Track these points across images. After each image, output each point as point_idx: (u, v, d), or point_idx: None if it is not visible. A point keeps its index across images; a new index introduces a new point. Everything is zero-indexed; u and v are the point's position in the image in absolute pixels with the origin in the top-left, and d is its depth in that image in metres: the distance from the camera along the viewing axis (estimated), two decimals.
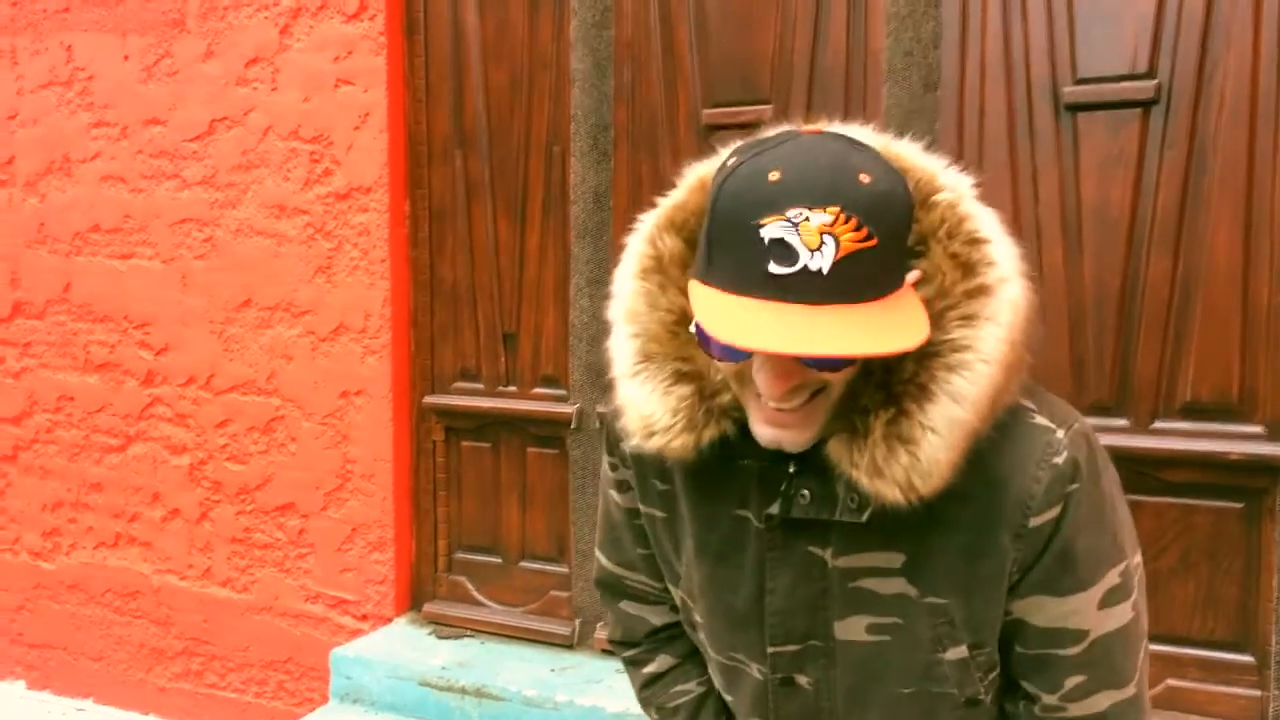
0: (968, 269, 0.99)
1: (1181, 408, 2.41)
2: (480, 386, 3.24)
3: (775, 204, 0.90)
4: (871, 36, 2.63)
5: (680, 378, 1.06)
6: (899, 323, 0.91)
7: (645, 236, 1.12)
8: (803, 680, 1.13)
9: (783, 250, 0.88)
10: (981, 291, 0.98)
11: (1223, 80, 2.33)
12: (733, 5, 2.80)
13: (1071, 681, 1.08)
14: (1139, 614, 1.09)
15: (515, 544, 3.22)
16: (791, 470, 1.06)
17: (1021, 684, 1.12)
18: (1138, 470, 2.42)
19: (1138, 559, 1.10)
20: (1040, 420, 1.05)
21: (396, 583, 3.29)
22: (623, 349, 1.10)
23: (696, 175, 1.14)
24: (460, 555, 3.31)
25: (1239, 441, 2.34)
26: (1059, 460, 1.02)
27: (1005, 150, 2.51)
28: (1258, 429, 2.34)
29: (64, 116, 3.68)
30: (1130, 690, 1.09)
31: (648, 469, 1.19)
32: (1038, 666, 1.09)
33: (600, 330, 2.98)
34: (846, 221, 0.89)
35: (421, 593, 3.34)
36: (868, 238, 0.89)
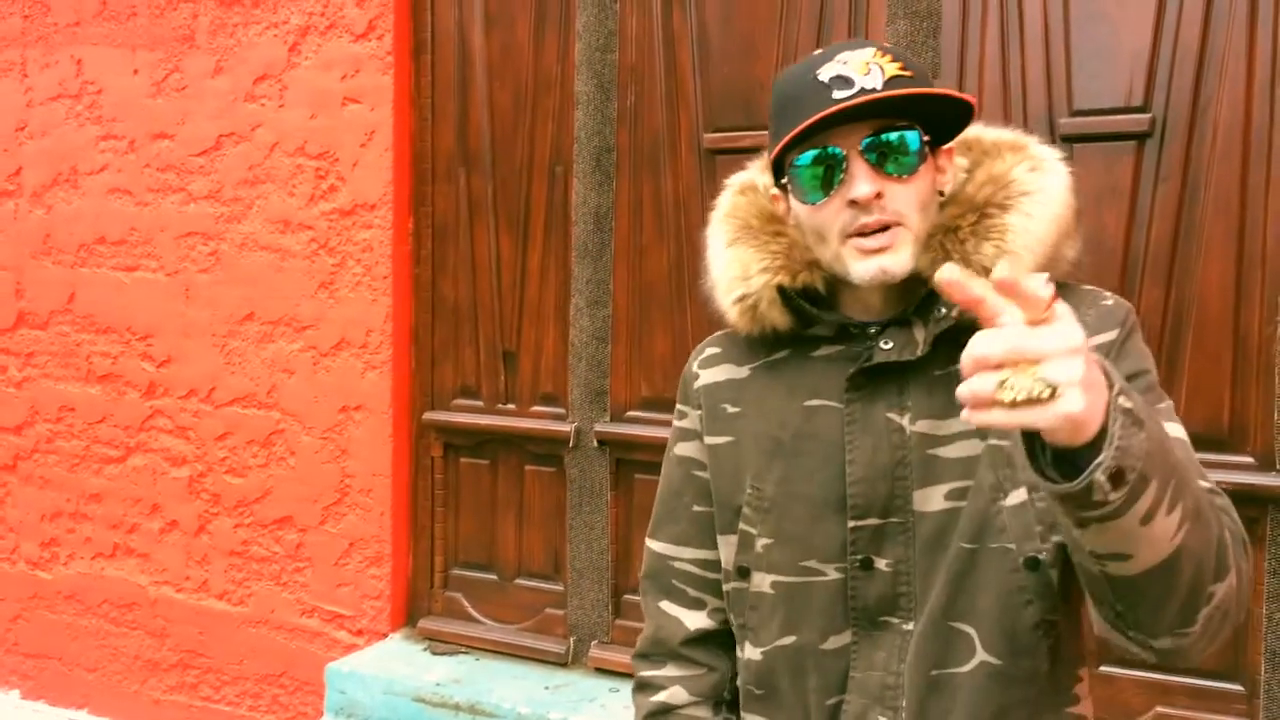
0: (1017, 149, 1.20)
1: None
2: (479, 404, 3.26)
3: (824, 57, 1.14)
4: None
5: (777, 238, 1.23)
6: (947, 90, 1.12)
7: (745, 173, 1.33)
8: (882, 564, 1.16)
9: (840, 82, 1.10)
10: (1037, 159, 1.19)
11: (1216, 114, 2.36)
12: (735, 32, 2.84)
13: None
14: (1191, 452, 1.08)
15: (511, 561, 3.24)
16: (873, 332, 1.19)
17: None
18: None
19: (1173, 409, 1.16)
20: (1091, 286, 1.20)
21: (392, 598, 3.30)
22: (718, 239, 1.28)
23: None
24: (456, 572, 3.32)
25: (1229, 471, 2.36)
26: (1108, 302, 1.17)
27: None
28: (1248, 459, 2.36)
29: (72, 129, 3.72)
30: (1208, 483, 1.06)
31: (720, 394, 1.29)
32: None
33: (599, 351, 3.02)
34: (884, 55, 1.12)
35: (417, 608, 3.36)
36: (904, 68, 1.12)
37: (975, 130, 1.23)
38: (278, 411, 3.42)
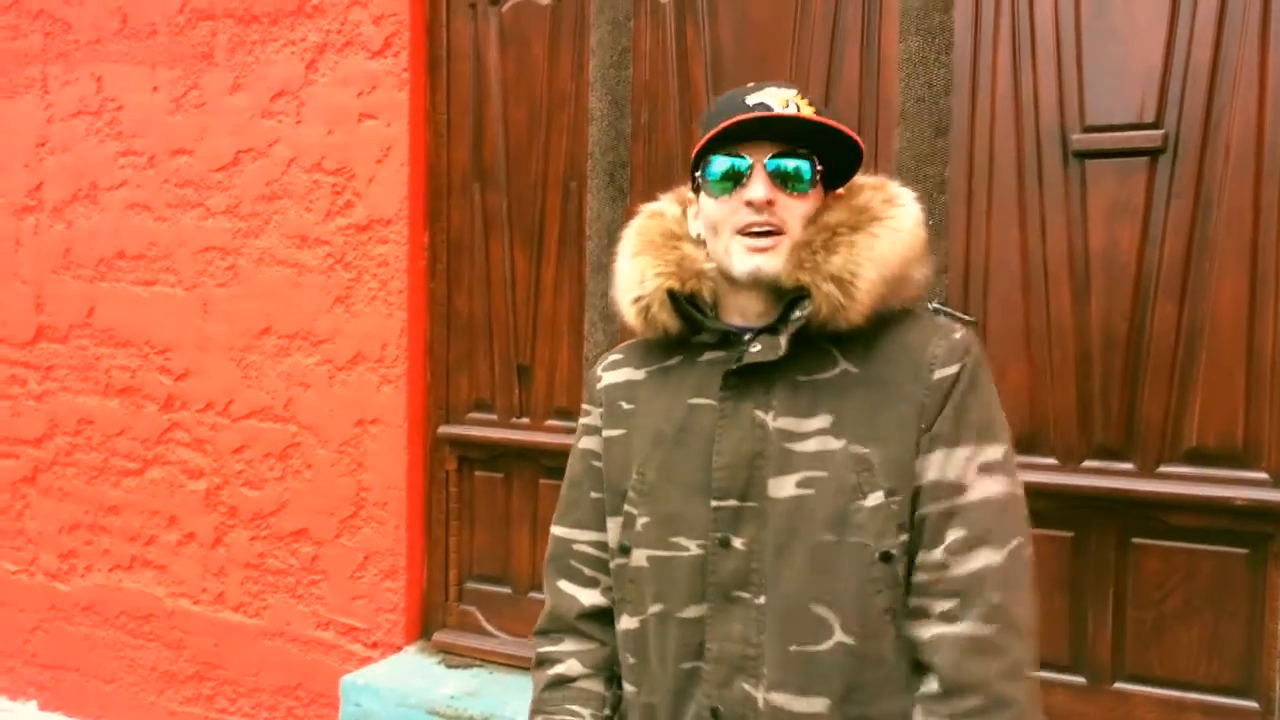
0: (878, 189, 1.41)
1: (1187, 453, 2.43)
2: (494, 417, 3.28)
3: (755, 89, 1.35)
4: (884, 82, 2.68)
5: (673, 252, 1.41)
6: (843, 128, 1.31)
7: (656, 204, 1.52)
8: (738, 542, 1.32)
9: (762, 107, 1.31)
10: (893, 196, 1.39)
11: (1228, 130, 2.37)
12: (748, 49, 2.86)
13: (953, 534, 1.27)
14: (1017, 497, 1.30)
15: (525, 574, 3.25)
16: (746, 339, 1.35)
17: (918, 560, 1.29)
18: (1143, 514, 2.45)
19: (1012, 452, 1.34)
20: (940, 319, 1.39)
21: (407, 611, 3.32)
22: (626, 250, 1.46)
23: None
24: (471, 585, 3.34)
25: (1244, 487, 2.36)
26: (957, 336, 1.34)
27: (1014, 195, 2.56)
28: (1262, 475, 2.36)
29: (92, 145, 3.76)
30: (1002, 557, 1.26)
31: (618, 394, 1.47)
32: (928, 527, 1.28)
33: None
34: (803, 98, 1.34)
35: (432, 621, 3.37)
36: (818, 113, 1.32)
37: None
38: (294, 425, 3.45)
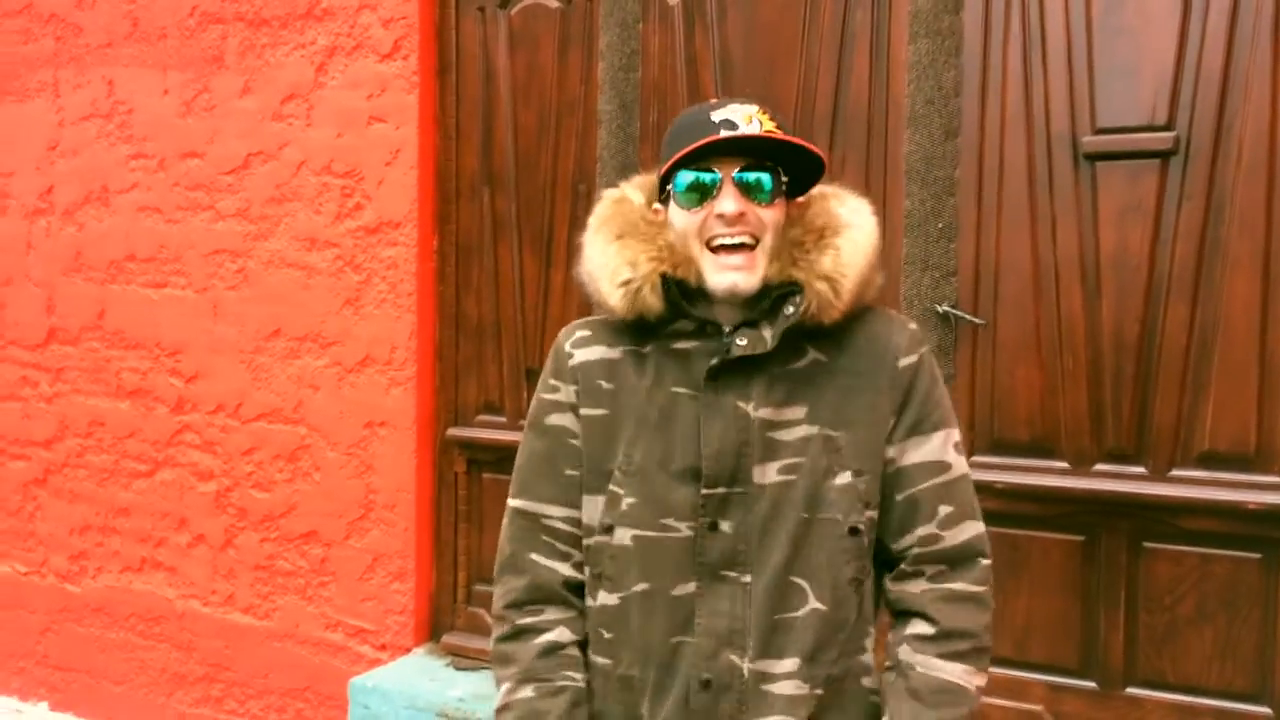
0: (839, 198, 1.51)
1: (1199, 457, 2.41)
2: (503, 420, 3.28)
3: (718, 105, 1.42)
4: (893, 84, 2.67)
5: (656, 239, 1.45)
6: (809, 145, 1.39)
7: (616, 190, 1.56)
8: (725, 526, 1.40)
9: (727, 124, 1.38)
10: (854, 206, 1.50)
11: (1240, 132, 2.35)
12: (757, 51, 2.85)
13: (943, 510, 1.43)
14: (969, 473, 1.48)
15: None
16: (727, 331, 1.42)
17: (903, 535, 1.44)
18: (1155, 518, 2.43)
19: None
20: (894, 312, 1.54)
21: (416, 613, 3.32)
22: (601, 237, 1.49)
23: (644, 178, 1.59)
24: (479, 587, 3.33)
25: (1256, 491, 2.35)
26: (913, 327, 1.50)
27: (1025, 197, 2.55)
28: (1275, 479, 2.34)
29: (103, 148, 3.77)
30: (981, 526, 1.46)
31: (596, 372, 1.49)
32: (916, 505, 1.43)
33: None
34: (764, 113, 1.41)
35: (440, 624, 3.37)
36: (779, 127, 1.40)
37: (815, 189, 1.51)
38: (303, 427, 3.45)
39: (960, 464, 1.46)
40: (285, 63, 3.42)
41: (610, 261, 1.45)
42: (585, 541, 1.48)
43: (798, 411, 1.40)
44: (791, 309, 1.39)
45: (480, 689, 3.08)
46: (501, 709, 1.48)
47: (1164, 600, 2.45)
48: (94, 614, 3.91)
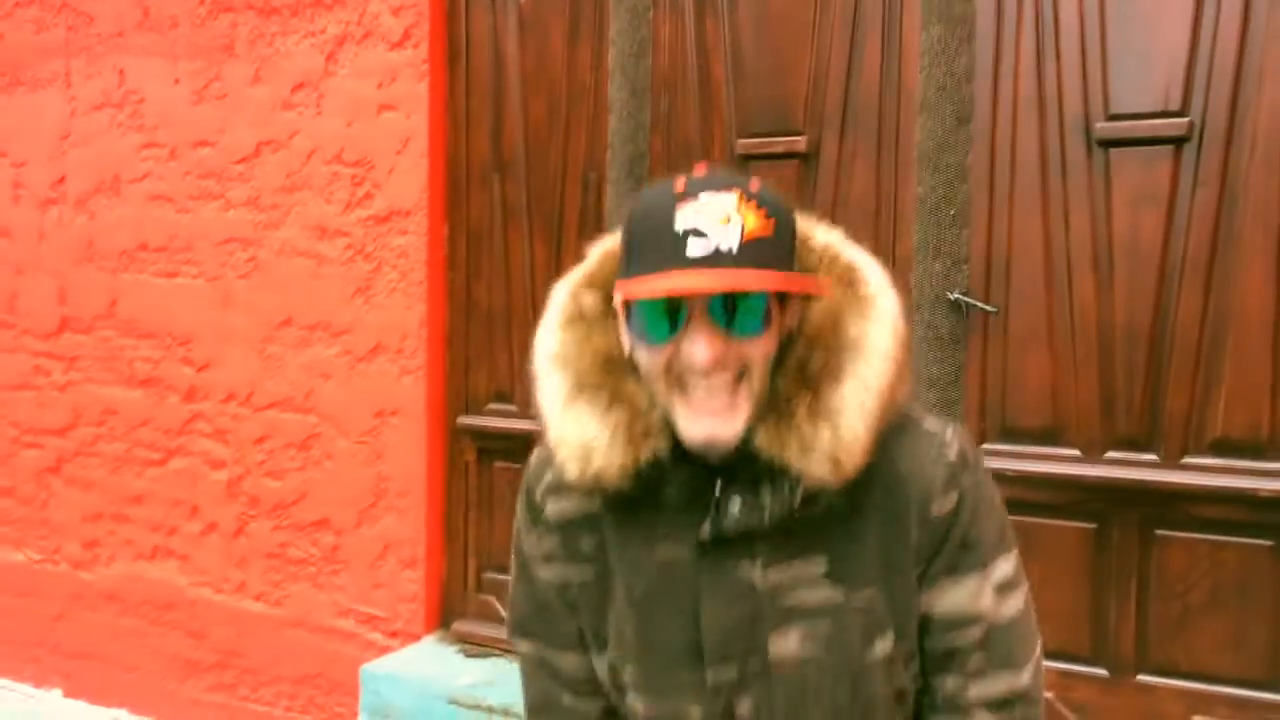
0: (850, 284, 1.14)
1: (1211, 444, 2.41)
2: (513, 408, 3.28)
3: (683, 196, 1.05)
4: (905, 70, 2.66)
5: (615, 402, 1.13)
6: (801, 279, 1.10)
7: (566, 293, 1.23)
8: (743, 708, 1.16)
9: (696, 236, 1.02)
10: (866, 301, 1.13)
11: (1255, 119, 2.34)
12: (768, 38, 2.84)
13: (973, 663, 1.16)
14: (1030, 608, 1.20)
15: None
16: (718, 486, 1.13)
17: (930, 681, 1.19)
18: (1166, 505, 2.43)
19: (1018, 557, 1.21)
20: (928, 425, 1.19)
21: (427, 601, 3.33)
22: (554, 390, 1.17)
23: (604, 247, 1.25)
24: (490, 575, 3.34)
25: (1269, 479, 2.34)
26: (951, 455, 1.16)
27: (1037, 184, 2.54)
28: None
29: (115, 138, 3.78)
30: (1026, 679, 1.17)
31: (575, 528, 1.23)
32: (943, 658, 1.18)
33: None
34: (747, 202, 1.05)
35: (451, 611, 3.38)
36: (766, 217, 1.05)
37: (806, 228, 1.17)
38: (315, 415, 3.46)
39: (1009, 606, 1.17)
40: (295, 51, 3.42)
41: (565, 439, 1.14)
42: (598, 667, 1.27)
43: (816, 567, 1.14)
44: (790, 490, 1.10)
45: (490, 675, 3.09)
46: None
47: (1176, 588, 2.44)
48: (106, 601, 3.93)
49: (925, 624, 1.17)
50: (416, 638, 3.34)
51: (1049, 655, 2.56)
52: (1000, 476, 2.51)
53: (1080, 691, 2.53)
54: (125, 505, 3.86)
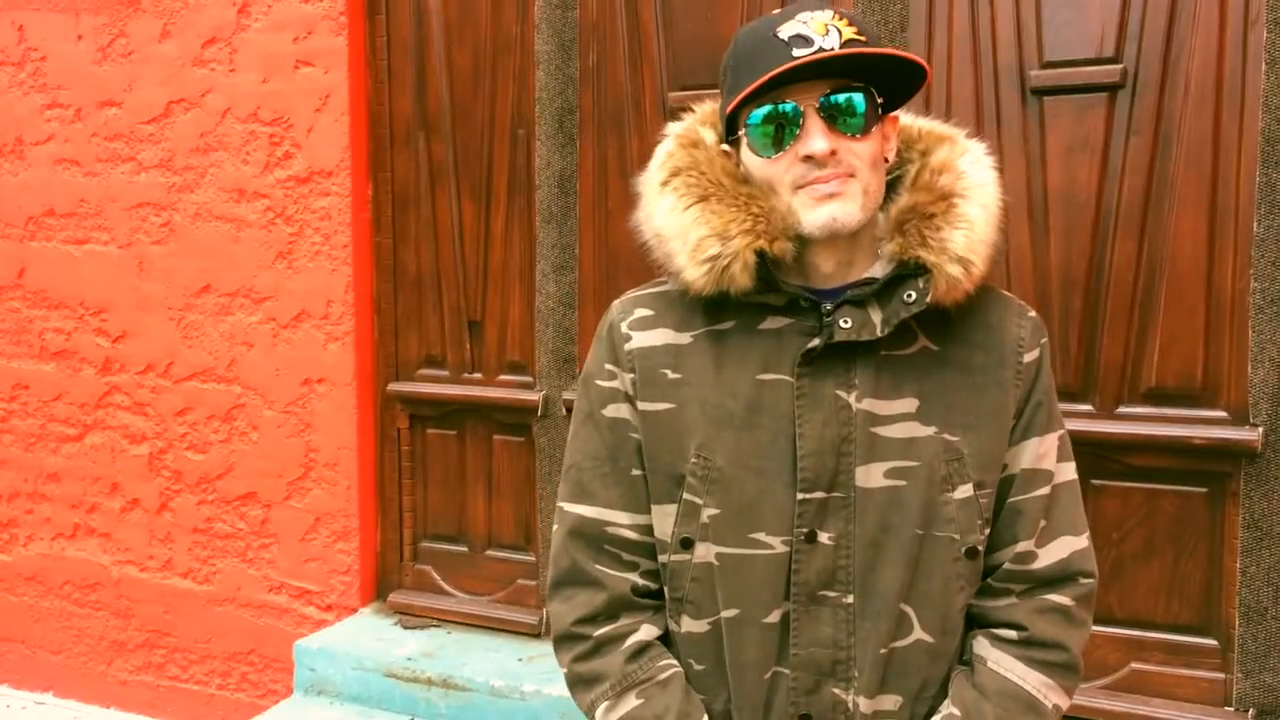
0: (953, 142, 1.26)
1: (1146, 393, 2.41)
2: (445, 373, 3.20)
3: (784, 16, 1.17)
4: None
5: (746, 205, 1.19)
6: (909, 55, 1.16)
7: (680, 129, 1.31)
8: (824, 537, 1.20)
9: (800, 40, 1.14)
10: (976, 160, 1.25)
11: (1188, 65, 2.32)
12: None
13: (1044, 522, 1.25)
14: (1077, 479, 1.31)
15: (481, 533, 3.19)
16: (827, 309, 1.20)
17: (998, 550, 1.26)
18: (1102, 455, 2.43)
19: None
20: (1008, 294, 1.32)
21: (361, 572, 3.25)
22: (679, 196, 1.23)
23: (703, 108, 1.33)
24: (426, 544, 3.27)
25: (1203, 426, 2.35)
26: (1032, 315, 1.29)
27: (972, 133, 2.48)
28: (1221, 414, 2.35)
29: (16, 98, 3.59)
30: (1084, 540, 1.28)
31: (658, 359, 1.27)
32: (1018, 517, 1.25)
33: (566, 317, 2.95)
34: (842, 19, 1.16)
35: (387, 582, 3.31)
36: (860, 33, 1.15)
37: (905, 119, 1.28)
38: (238, 385, 3.34)
39: (1066, 470, 1.28)
40: (205, 4, 3.26)
41: (692, 230, 1.20)
42: (660, 558, 1.29)
43: (907, 405, 1.20)
44: (914, 294, 1.17)
45: (429, 647, 3.03)
46: None
47: (1111, 536, 2.45)
48: (27, 583, 3.79)
49: (1005, 482, 1.25)
50: (352, 610, 3.26)
51: None
52: None
53: None
54: (42, 483, 3.70)
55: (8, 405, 3.73)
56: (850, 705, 1.22)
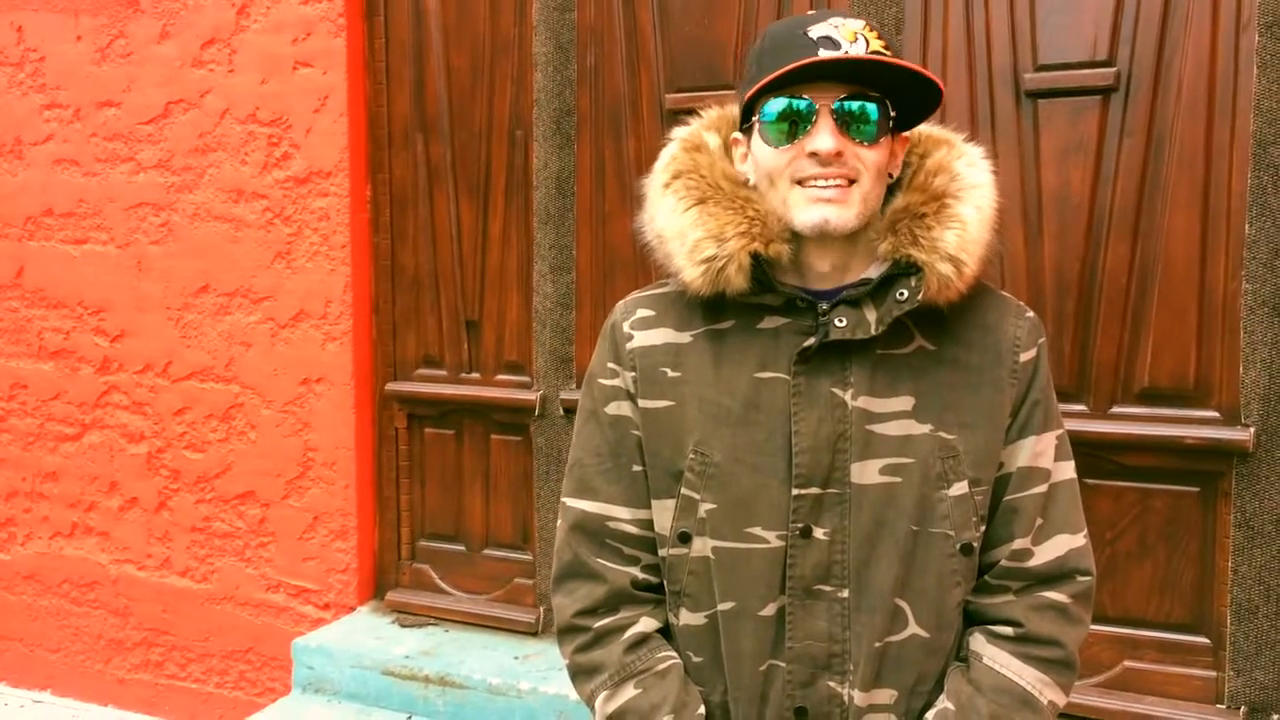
0: (951, 146, 1.29)
1: (1139, 393, 2.43)
2: (443, 373, 3.21)
3: (817, 17, 1.20)
4: None
5: (744, 208, 1.23)
6: (926, 73, 1.18)
7: (685, 134, 1.34)
8: (819, 532, 1.23)
9: (827, 43, 1.16)
10: (973, 162, 1.27)
11: (1181, 68, 2.34)
12: None
13: (1040, 521, 1.27)
14: (1076, 478, 1.32)
15: (479, 532, 3.20)
16: (823, 309, 1.23)
17: (995, 547, 1.28)
18: (1095, 455, 2.45)
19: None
20: (1005, 293, 1.33)
21: (359, 571, 3.26)
22: (680, 198, 1.27)
23: (712, 112, 1.38)
24: (423, 543, 3.29)
25: (1195, 426, 2.37)
26: (1030, 315, 1.30)
27: (966, 135, 2.51)
28: (1213, 414, 2.37)
29: (15, 98, 3.60)
30: (1082, 539, 1.30)
31: (658, 358, 1.30)
32: (1014, 514, 1.27)
33: (563, 318, 2.97)
34: (872, 30, 1.19)
35: (384, 581, 3.32)
36: (887, 47, 1.18)
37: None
38: (237, 385, 3.35)
39: (1065, 469, 1.30)
40: (204, 5, 3.27)
41: (690, 232, 1.24)
42: (659, 552, 1.32)
43: (903, 403, 1.22)
44: (906, 293, 1.20)
45: (426, 645, 3.04)
46: None
47: (1105, 535, 2.47)
48: (25, 581, 3.80)
49: (1002, 480, 1.27)
50: (350, 609, 3.27)
51: None
52: None
53: None
54: (40, 482, 3.71)
55: (6, 404, 3.74)
56: (845, 698, 1.24)
